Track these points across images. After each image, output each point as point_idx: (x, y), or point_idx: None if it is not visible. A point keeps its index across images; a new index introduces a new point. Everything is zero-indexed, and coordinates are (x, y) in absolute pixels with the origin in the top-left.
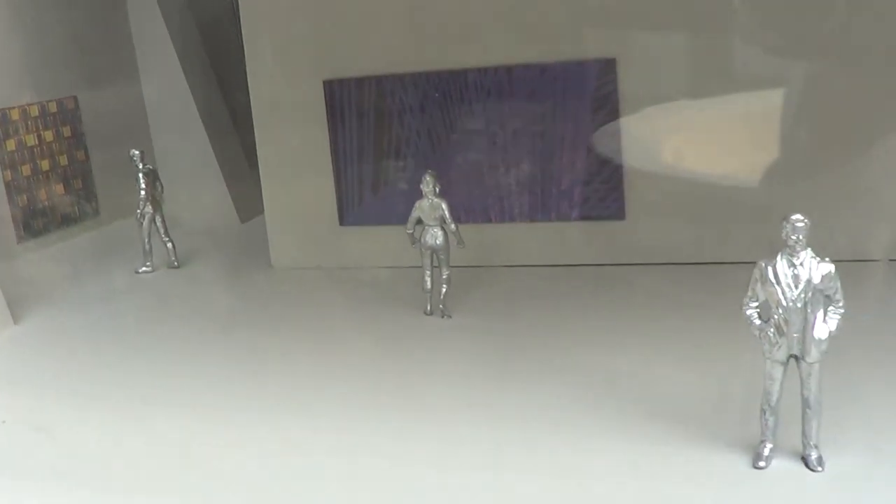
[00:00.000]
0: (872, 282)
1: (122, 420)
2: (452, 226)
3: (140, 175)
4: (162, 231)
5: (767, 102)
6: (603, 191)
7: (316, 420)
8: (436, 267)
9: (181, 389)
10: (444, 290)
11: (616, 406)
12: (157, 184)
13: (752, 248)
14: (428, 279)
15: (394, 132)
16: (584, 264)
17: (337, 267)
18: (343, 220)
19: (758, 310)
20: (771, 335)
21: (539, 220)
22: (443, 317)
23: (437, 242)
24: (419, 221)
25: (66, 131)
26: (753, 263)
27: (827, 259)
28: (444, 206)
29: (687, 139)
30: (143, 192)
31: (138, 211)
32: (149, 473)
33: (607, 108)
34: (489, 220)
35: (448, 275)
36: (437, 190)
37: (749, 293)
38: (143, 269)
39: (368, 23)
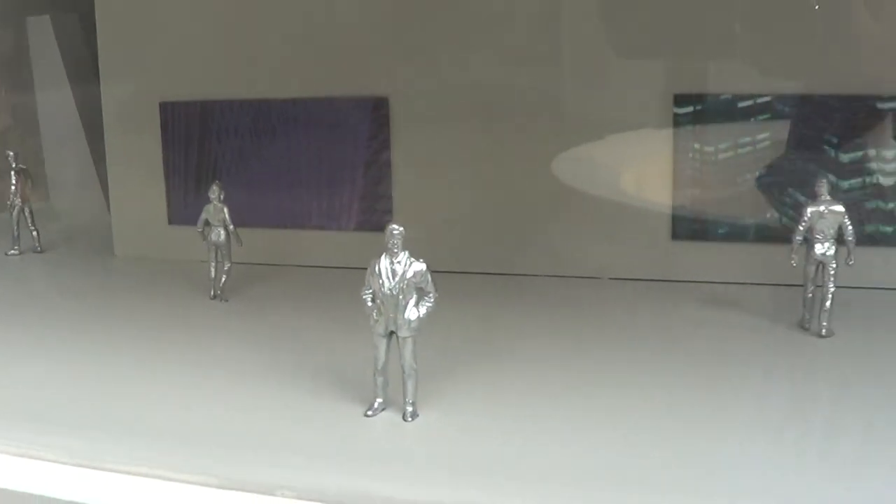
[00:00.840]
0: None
1: None
2: (231, 227)
3: (12, 172)
4: (29, 221)
5: (512, 134)
6: (375, 206)
7: (88, 376)
8: (219, 262)
9: None
10: (223, 279)
11: (313, 370)
12: (28, 181)
13: (496, 258)
14: (212, 269)
15: (212, 149)
16: (357, 268)
17: (165, 258)
18: (171, 219)
19: (371, 295)
20: (374, 315)
21: (323, 228)
22: (221, 301)
23: (220, 240)
24: (207, 223)
25: None
26: (495, 273)
27: (421, 260)
28: (225, 210)
29: (446, 164)
30: (13, 187)
31: (8, 202)
32: None
33: (381, 137)
34: (284, 226)
35: (228, 267)
36: (222, 197)
37: (365, 283)
38: (12, 252)
39: (195, 56)
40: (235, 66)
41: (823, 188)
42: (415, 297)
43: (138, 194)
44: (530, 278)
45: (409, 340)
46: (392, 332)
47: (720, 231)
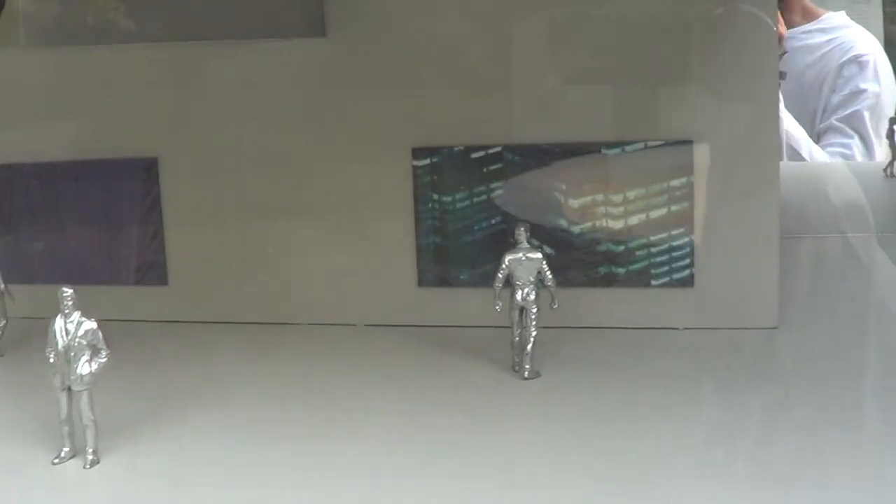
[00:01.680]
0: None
1: None
2: (2, 286)
3: None
4: None
5: (272, 188)
6: (151, 260)
7: None
8: None
9: None
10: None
11: (40, 421)
12: None
13: (263, 308)
14: None
15: (8, 211)
16: (137, 320)
17: None
18: None
19: (52, 352)
20: (51, 370)
21: (105, 282)
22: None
23: None
24: None
25: None
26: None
27: (92, 318)
28: None
29: (214, 218)
30: None
31: None
32: None
33: (152, 194)
34: (71, 282)
35: (4, 324)
36: None
37: (48, 341)
38: None
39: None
40: (26, 131)
41: (522, 236)
42: (88, 353)
43: None
44: (293, 326)
45: (84, 393)
46: (69, 386)
47: (461, 277)
